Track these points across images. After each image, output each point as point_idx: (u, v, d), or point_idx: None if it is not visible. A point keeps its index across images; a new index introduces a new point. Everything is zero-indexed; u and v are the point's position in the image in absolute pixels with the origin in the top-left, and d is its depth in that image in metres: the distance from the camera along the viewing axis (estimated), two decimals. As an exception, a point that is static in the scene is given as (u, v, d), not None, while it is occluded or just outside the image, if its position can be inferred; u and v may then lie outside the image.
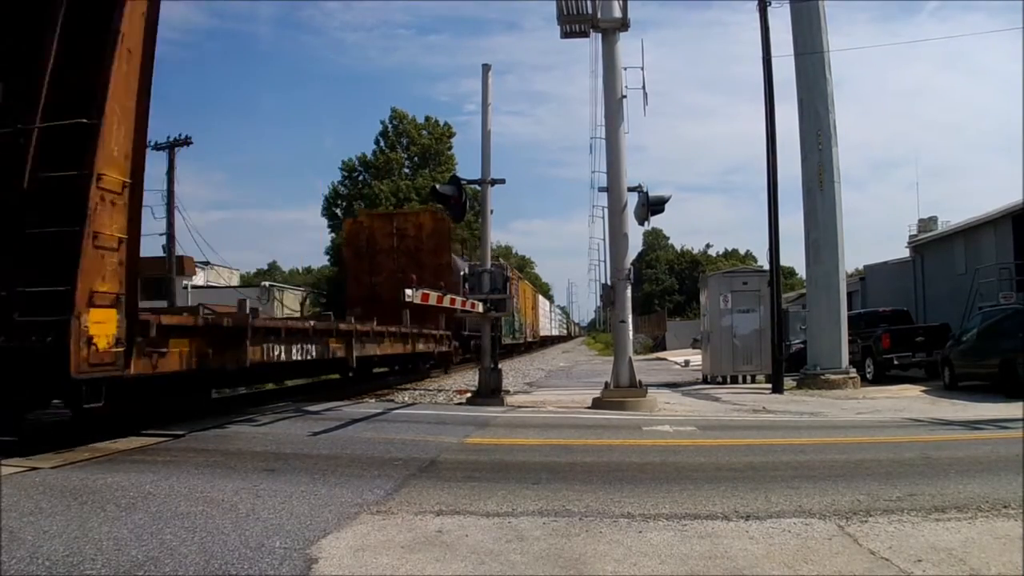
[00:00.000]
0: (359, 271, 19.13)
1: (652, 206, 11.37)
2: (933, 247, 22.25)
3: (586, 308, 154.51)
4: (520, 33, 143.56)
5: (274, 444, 6.55)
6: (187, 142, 26.36)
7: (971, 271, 18.58)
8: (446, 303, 11.31)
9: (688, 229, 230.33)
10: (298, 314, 19.89)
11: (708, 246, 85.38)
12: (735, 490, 4.77)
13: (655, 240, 79.70)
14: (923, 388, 14.26)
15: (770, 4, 14.82)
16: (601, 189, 12.07)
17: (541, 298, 47.98)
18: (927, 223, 25.65)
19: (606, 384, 11.06)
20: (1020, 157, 48.02)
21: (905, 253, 24.36)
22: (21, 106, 5.71)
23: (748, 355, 16.43)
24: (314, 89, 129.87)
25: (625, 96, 11.29)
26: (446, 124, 51.42)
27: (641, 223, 11.57)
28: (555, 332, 65.71)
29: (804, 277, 18.34)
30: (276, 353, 8.87)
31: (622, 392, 10.78)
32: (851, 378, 14.48)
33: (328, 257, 46.52)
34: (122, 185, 5.89)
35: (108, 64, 5.74)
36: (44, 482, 4.69)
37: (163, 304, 18.38)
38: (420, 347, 15.06)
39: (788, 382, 14.50)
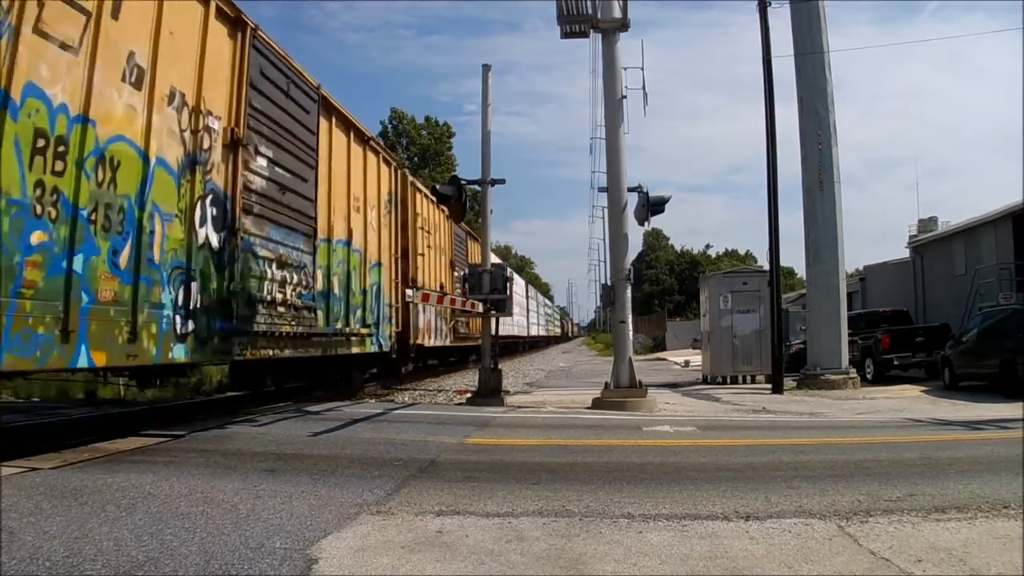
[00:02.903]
0: None
1: (652, 206, 11.38)
2: (933, 247, 22.24)
3: (586, 308, 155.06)
4: (520, 33, 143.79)
5: (274, 444, 6.54)
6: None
7: (971, 271, 18.58)
8: (446, 303, 11.33)
9: (688, 229, 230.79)
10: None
11: (708, 246, 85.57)
12: (735, 490, 4.77)
13: (655, 240, 79.79)
14: (923, 388, 14.27)
15: (770, 4, 14.85)
16: (601, 189, 12.08)
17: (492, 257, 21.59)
18: (927, 223, 25.64)
19: (606, 384, 11.06)
20: (1020, 157, 48.20)
21: (905, 253, 24.34)
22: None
23: (748, 355, 16.45)
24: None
25: (625, 96, 11.30)
26: (446, 124, 51.49)
27: (641, 223, 11.58)
28: (540, 331, 48.03)
29: (804, 277, 18.34)
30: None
31: (622, 392, 10.78)
32: (851, 378, 14.49)
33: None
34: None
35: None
36: (44, 482, 4.68)
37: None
38: None
39: (788, 382, 14.51)
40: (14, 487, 4.47)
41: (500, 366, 12.48)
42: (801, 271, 25.25)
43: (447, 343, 18.27)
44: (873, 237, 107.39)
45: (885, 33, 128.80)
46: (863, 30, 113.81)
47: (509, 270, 13.00)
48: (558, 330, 74.50)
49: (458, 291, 17.96)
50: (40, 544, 3.39)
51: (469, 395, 11.91)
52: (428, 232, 16.05)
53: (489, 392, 11.37)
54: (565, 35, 11.74)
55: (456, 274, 18.59)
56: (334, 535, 3.69)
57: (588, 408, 10.64)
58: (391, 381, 14.64)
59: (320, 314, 9.61)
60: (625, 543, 3.63)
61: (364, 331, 11.27)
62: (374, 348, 11.90)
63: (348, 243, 10.62)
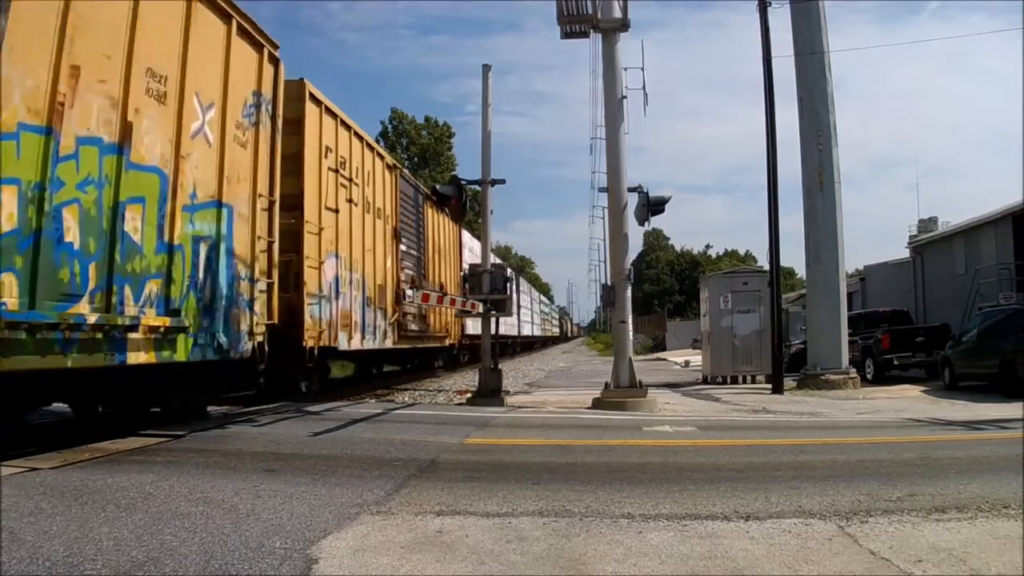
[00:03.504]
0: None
1: (652, 206, 11.38)
2: (933, 247, 22.26)
3: (586, 308, 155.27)
4: (520, 33, 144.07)
5: (274, 444, 6.54)
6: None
7: (971, 271, 18.59)
8: (446, 303, 11.32)
9: (688, 230, 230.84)
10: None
11: (708, 247, 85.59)
12: (735, 490, 4.77)
13: (655, 240, 79.81)
14: (923, 388, 14.28)
15: (770, 4, 14.85)
16: (601, 189, 12.09)
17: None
18: (927, 223, 25.64)
19: (606, 384, 11.06)
20: (1020, 157, 48.26)
21: (905, 253, 24.35)
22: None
23: (748, 355, 16.45)
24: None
25: (625, 96, 11.31)
26: (446, 124, 51.55)
27: (641, 223, 11.59)
28: (535, 331, 41.62)
29: (804, 277, 18.34)
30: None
31: (622, 392, 10.78)
32: (851, 378, 14.49)
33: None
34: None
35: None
36: (44, 482, 4.68)
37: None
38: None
39: (788, 382, 14.51)
40: (14, 487, 4.47)
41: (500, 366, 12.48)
42: (801, 271, 25.28)
43: (387, 345, 13.19)
44: (873, 237, 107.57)
45: (885, 33, 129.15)
46: (863, 30, 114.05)
47: (509, 270, 13.00)
48: (556, 330, 71.64)
49: (407, 271, 14.38)
50: (40, 544, 3.39)
51: (469, 395, 11.92)
52: (349, 179, 11.27)
53: (489, 392, 11.38)
54: (565, 35, 11.75)
55: (403, 247, 14.05)
56: (334, 535, 3.69)
57: (588, 408, 10.64)
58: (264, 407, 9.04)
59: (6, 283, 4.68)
60: (625, 543, 3.63)
61: (162, 322, 6.24)
62: (202, 354, 6.95)
63: (120, 150, 5.80)
